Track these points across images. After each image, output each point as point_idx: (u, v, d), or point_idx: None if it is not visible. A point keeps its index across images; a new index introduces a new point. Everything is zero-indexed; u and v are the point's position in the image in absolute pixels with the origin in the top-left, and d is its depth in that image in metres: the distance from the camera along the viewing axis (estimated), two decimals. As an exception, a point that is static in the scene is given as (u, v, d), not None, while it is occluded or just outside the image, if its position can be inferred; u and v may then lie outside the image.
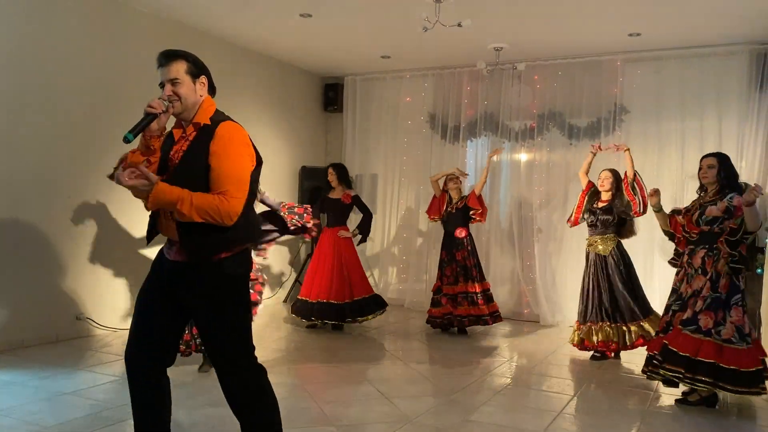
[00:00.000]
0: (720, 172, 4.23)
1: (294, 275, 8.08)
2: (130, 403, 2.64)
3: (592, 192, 5.54)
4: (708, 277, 4.11)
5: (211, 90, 2.64)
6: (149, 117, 2.45)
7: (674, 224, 4.54)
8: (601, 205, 5.44)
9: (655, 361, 4.20)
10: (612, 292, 5.32)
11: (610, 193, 5.40)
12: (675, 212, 4.56)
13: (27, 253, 5.17)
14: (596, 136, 6.98)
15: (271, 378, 4.47)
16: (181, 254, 2.49)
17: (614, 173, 5.45)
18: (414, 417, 3.80)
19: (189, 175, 2.43)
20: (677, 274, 4.44)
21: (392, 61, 7.61)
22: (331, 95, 8.52)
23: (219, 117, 2.55)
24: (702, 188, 4.40)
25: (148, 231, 2.68)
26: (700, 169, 4.37)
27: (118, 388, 4.16)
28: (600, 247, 5.41)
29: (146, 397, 2.61)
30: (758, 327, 4.76)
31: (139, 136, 2.51)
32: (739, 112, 6.35)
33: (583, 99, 7.06)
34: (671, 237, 4.65)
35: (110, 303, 5.83)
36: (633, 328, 5.25)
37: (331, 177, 6.41)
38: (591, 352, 5.42)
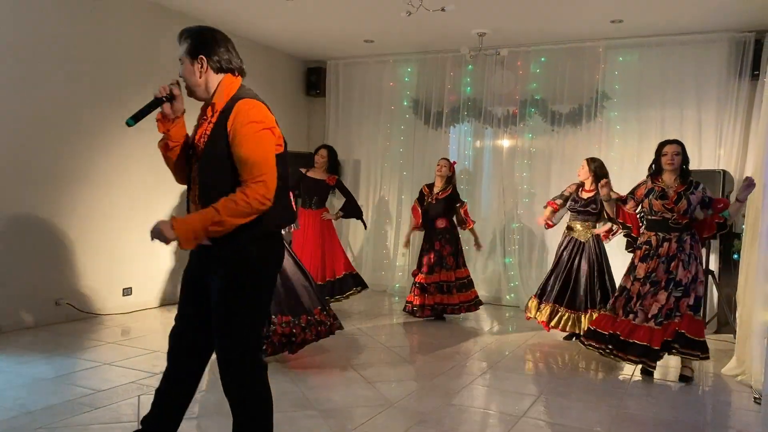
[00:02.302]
0: (683, 159, 4.40)
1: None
2: (161, 379, 2.70)
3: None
4: (698, 261, 4.34)
5: (225, 68, 2.50)
6: (153, 102, 2.43)
7: (622, 214, 4.66)
8: (585, 195, 5.50)
9: (674, 347, 4.26)
10: (579, 277, 5.39)
11: (590, 180, 5.44)
12: (620, 201, 4.67)
13: (6, 238, 5.11)
14: (578, 123, 7.04)
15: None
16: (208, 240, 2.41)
17: (589, 162, 5.48)
18: (396, 401, 3.83)
19: (214, 160, 2.37)
20: (643, 261, 4.48)
21: (375, 46, 7.57)
22: (314, 79, 8.46)
23: (240, 94, 2.42)
24: (657, 172, 4.47)
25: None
26: (664, 154, 4.42)
27: (99, 373, 4.14)
28: (579, 232, 5.48)
29: (183, 373, 2.65)
30: (734, 311, 4.86)
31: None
32: (718, 99, 6.42)
33: (565, 85, 7.09)
34: (623, 225, 4.74)
35: (90, 287, 5.78)
36: (592, 315, 5.26)
37: (321, 159, 6.32)
38: (564, 334, 5.55)
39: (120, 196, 6.02)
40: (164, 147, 2.53)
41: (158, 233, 2.26)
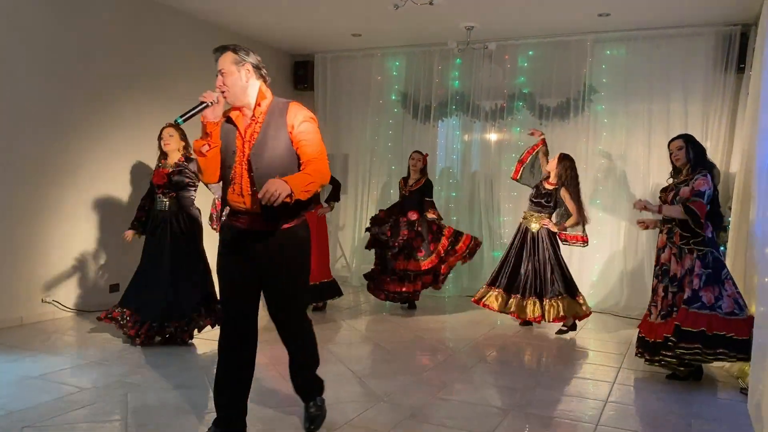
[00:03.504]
0: (688, 152, 4.32)
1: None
2: (218, 359, 2.99)
3: (539, 153, 5.77)
4: (694, 255, 4.18)
5: (261, 76, 2.89)
6: (201, 105, 2.76)
7: None
8: (547, 187, 5.62)
9: (669, 343, 4.09)
10: (533, 266, 5.52)
11: (555, 175, 5.53)
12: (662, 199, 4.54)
13: (-11, 235, 5.05)
14: (566, 117, 7.05)
15: (243, 359, 4.43)
16: (259, 223, 2.84)
17: (562, 159, 5.55)
18: (385, 396, 3.83)
19: (269, 150, 2.79)
20: (660, 255, 4.41)
21: (363, 39, 7.53)
22: (301, 73, 8.42)
23: (280, 98, 2.91)
24: (676, 170, 4.47)
25: (223, 203, 3.03)
26: (670, 153, 4.45)
27: (85, 371, 4.11)
28: (533, 224, 5.61)
29: (241, 355, 3.00)
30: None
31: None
32: (704, 92, 6.45)
33: (553, 79, 7.09)
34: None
35: (77, 285, 5.73)
36: (554, 303, 5.42)
37: None
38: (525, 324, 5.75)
39: (105, 191, 5.96)
40: (202, 150, 2.83)
41: (279, 188, 2.50)
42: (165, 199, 4.83)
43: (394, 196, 7.62)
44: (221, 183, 3.00)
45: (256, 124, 2.84)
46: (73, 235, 5.68)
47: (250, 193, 2.81)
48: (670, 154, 4.45)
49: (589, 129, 6.95)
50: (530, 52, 7.19)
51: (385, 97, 7.95)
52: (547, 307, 5.43)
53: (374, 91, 8.00)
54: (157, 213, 4.86)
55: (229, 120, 2.89)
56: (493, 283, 5.74)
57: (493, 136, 7.50)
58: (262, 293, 3.01)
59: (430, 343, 5.24)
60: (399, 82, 7.91)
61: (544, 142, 5.86)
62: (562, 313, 5.42)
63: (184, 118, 2.74)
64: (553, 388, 4.14)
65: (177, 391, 3.80)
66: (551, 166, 5.59)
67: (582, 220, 5.51)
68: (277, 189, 2.48)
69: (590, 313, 5.60)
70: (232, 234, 2.92)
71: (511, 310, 5.56)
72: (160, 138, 4.91)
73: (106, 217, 5.94)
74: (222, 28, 7.16)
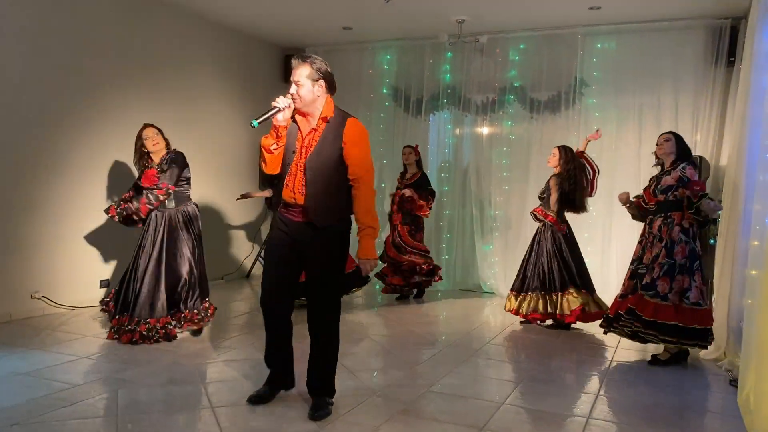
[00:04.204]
0: (674, 145, 4.47)
1: (256, 251, 8.00)
2: (266, 342, 3.44)
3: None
4: (663, 244, 4.33)
5: (331, 89, 3.25)
6: (273, 110, 3.12)
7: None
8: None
9: (623, 319, 4.47)
10: (549, 262, 5.49)
11: (557, 169, 5.54)
12: (640, 197, 4.75)
13: (-24, 231, 5.00)
14: (557, 110, 7.05)
15: (235, 353, 4.45)
16: (305, 216, 3.23)
17: (561, 150, 5.56)
18: (379, 390, 3.83)
19: (322, 159, 3.17)
20: (640, 242, 4.66)
21: (354, 33, 7.49)
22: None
23: (342, 113, 3.26)
24: (659, 163, 4.60)
25: (276, 195, 3.45)
26: (657, 144, 4.56)
27: (75, 367, 4.08)
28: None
29: (279, 334, 3.41)
30: (710, 296, 4.92)
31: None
32: (695, 86, 6.47)
33: (544, 72, 7.09)
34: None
35: (67, 280, 5.68)
36: (570, 297, 5.38)
37: None
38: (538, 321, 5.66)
39: (95, 186, 5.92)
40: (271, 148, 3.23)
41: (371, 266, 3.24)
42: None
43: (387, 190, 7.62)
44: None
45: (316, 133, 3.23)
46: (62, 230, 5.63)
47: (302, 191, 3.21)
48: (656, 145, 4.59)
49: (580, 122, 6.95)
50: (521, 46, 7.18)
51: (376, 90, 7.92)
52: (556, 302, 5.43)
53: (365, 84, 7.96)
54: (153, 212, 4.75)
55: (294, 122, 3.28)
56: (520, 289, 5.63)
57: (484, 130, 7.50)
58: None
59: (422, 337, 5.25)
60: (390, 76, 7.88)
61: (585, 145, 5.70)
62: (569, 309, 5.37)
63: (259, 121, 3.10)
64: (545, 381, 4.16)
65: (168, 386, 3.78)
66: (554, 162, 5.55)
67: (559, 208, 5.51)
68: (370, 267, 3.25)
69: (601, 313, 5.31)
70: (283, 223, 3.32)
71: (541, 308, 5.49)
72: (141, 138, 4.79)
73: (95, 212, 5.88)
74: (211, 21, 7.11)
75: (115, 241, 6.07)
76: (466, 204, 7.56)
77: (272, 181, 6.26)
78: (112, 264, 6.10)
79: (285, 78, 8.42)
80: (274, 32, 7.68)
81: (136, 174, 6.25)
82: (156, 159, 4.81)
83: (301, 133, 3.26)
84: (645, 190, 4.64)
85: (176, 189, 4.76)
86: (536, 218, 5.64)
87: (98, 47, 5.87)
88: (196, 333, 4.93)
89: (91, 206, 5.84)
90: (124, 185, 6.13)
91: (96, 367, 4.10)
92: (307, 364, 3.43)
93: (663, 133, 4.65)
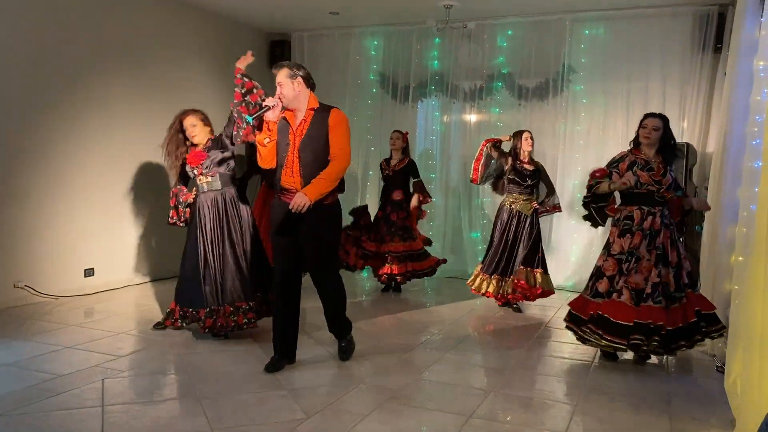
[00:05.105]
0: (663, 137, 4.21)
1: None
2: (275, 314, 3.96)
3: (491, 149, 5.71)
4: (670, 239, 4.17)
5: (309, 85, 3.77)
6: (264, 108, 3.67)
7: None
8: (528, 168, 5.63)
9: (638, 338, 3.95)
10: (518, 247, 5.61)
11: (530, 154, 5.65)
12: (604, 178, 4.29)
13: (-43, 219, 4.91)
14: (545, 97, 7.03)
15: (221, 345, 4.42)
16: None
17: (532, 138, 5.71)
18: (366, 378, 3.82)
19: (313, 143, 3.71)
20: (623, 236, 4.20)
21: (341, 18, 7.41)
22: (278, 53, 8.26)
23: (326, 105, 3.83)
24: (636, 145, 4.27)
25: (276, 183, 3.86)
26: (643, 127, 4.24)
27: (59, 358, 4.03)
28: (522, 205, 5.65)
29: (289, 302, 3.91)
30: (698, 281, 4.93)
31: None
32: (682, 73, 6.46)
33: (532, 59, 7.05)
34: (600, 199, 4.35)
35: (50, 269, 5.61)
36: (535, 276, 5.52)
37: None
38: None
39: (78, 173, 5.83)
40: (264, 142, 3.75)
41: (300, 201, 3.58)
42: (206, 180, 4.51)
43: (373, 178, 7.59)
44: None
45: (305, 122, 3.74)
46: (45, 219, 5.55)
47: (299, 173, 3.70)
48: (642, 128, 4.24)
49: (568, 109, 6.94)
50: (509, 32, 7.14)
51: (363, 77, 7.85)
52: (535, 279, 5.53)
53: (352, 70, 7.89)
54: (200, 198, 4.53)
55: (284, 119, 3.77)
56: (489, 270, 5.71)
57: (472, 117, 7.47)
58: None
59: (410, 324, 5.24)
60: (377, 62, 7.81)
61: (488, 141, 5.79)
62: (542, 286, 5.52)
63: (253, 118, 3.74)
64: (532, 368, 4.16)
65: (155, 377, 3.75)
66: (525, 146, 5.59)
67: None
68: (301, 202, 3.58)
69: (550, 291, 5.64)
70: (282, 207, 3.75)
71: (509, 292, 5.58)
72: (181, 131, 4.54)
73: (79, 200, 5.81)
74: (197, 7, 6.99)
75: (100, 229, 6.00)
76: (453, 191, 7.54)
77: (260, 171, 6.20)
78: (96, 252, 6.02)
79: (271, 64, 8.32)
80: (259, 17, 7.57)
81: (119, 161, 6.21)
82: (199, 143, 4.57)
83: (292, 128, 3.75)
84: (642, 171, 4.15)
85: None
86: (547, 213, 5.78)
87: (80, 35, 5.76)
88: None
89: (73, 194, 5.76)
90: (108, 172, 6.07)
91: (80, 356, 4.06)
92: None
93: (652, 116, 4.28)
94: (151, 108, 6.44)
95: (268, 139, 3.74)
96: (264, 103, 3.67)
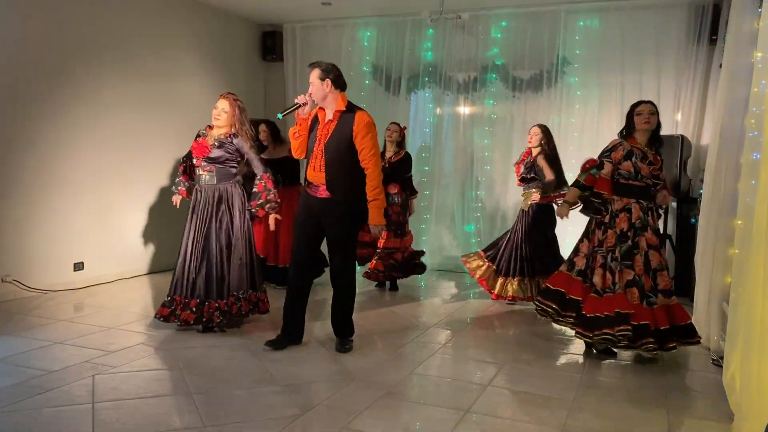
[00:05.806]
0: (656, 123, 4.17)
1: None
2: (286, 296, 4.18)
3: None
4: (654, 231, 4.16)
5: (338, 86, 3.97)
6: (295, 105, 3.97)
7: (600, 182, 4.17)
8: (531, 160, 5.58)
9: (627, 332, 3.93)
10: (521, 246, 5.52)
11: (538, 149, 5.52)
12: (595, 168, 4.18)
13: (-58, 213, 4.82)
14: (539, 89, 6.99)
15: (214, 340, 4.36)
16: (328, 192, 3.96)
17: (542, 129, 5.56)
18: (360, 373, 3.77)
19: (337, 145, 3.92)
20: (609, 228, 4.14)
21: (333, 9, 7.32)
22: (270, 44, 8.18)
23: (353, 106, 4.03)
24: (628, 134, 4.17)
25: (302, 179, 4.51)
26: (639, 114, 4.13)
27: (49, 353, 3.96)
28: (522, 200, 5.61)
29: (300, 289, 4.16)
30: (693, 273, 4.92)
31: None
32: (677, 65, 6.44)
33: (526, 50, 7.01)
34: (593, 193, 4.24)
35: (38, 263, 5.53)
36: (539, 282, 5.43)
37: (264, 135, 6.09)
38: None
39: (67, 166, 5.73)
40: (294, 136, 4.08)
41: (378, 232, 4.10)
42: (203, 173, 4.49)
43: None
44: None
45: (332, 123, 3.96)
46: (34, 212, 5.46)
47: (322, 170, 3.94)
48: (638, 115, 4.13)
49: (562, 101, 6.91)
50: (503, 23, 7.09)
51: (356, 68, 7.77)
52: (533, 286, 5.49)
53: (345, 62, 7.78)
54: (196, 190, 4.54)
55: (316, 116, 4.05)
56: (489, 258, 5.69)
57: (466, 109, 7.41)
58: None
59: (405, 319, 5.20)
60: (370, 53, 7.73)
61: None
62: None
63: (283, 114, 3.99)
64: (528, 363, 4.13)
65: (146, 372, 3.69)
66: (535, 141, 5.51)
67: (561, 180, 5.49)
68: (378, 233, 4.11)
69: None
70: (308, 199, 4.06)
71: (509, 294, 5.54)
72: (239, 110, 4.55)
73: (67, 193, 5.72)
74: (186, -4, 6.89)
75: (90, 222, 5.91)
76: (447, 184, 7.49)
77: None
78: (86, 246, 5.94)
79: (263, 55, 8.23)
80: (250, 8, 7.47)
81: (109, 154, 6.11)
82: (215, 133, 4.52)
83: (322, 124, 3.99)
84: (642, 163, 4.09)
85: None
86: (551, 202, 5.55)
87: (69, 26, 5.65)
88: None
89: (62, 187, 5.67)
90: (96, 164, 5.98)
91: (71, 352, 3.99)
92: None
93: (645, 102, 4.20)
94: (141, 100, 6.35)
95: (297, 133, 4.04)
96: (295, 101, 3.95)
